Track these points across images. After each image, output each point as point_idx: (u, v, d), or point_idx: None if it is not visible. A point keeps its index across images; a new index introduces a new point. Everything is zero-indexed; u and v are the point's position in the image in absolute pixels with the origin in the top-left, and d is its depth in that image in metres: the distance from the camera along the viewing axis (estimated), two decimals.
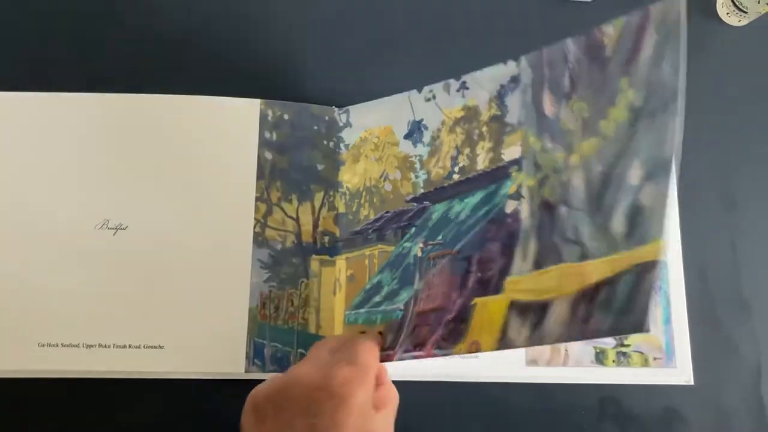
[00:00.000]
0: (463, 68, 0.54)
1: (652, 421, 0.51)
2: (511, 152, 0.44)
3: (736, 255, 0.55)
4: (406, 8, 0.59)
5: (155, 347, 0.48)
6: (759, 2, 0.57)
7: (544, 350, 0.51)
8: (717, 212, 0.56)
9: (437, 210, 0.47)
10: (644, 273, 0.33)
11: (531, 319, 0.38)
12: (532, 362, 0.51)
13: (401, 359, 0.43)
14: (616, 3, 0.57)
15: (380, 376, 0.41)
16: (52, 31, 0.55)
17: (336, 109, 0.54)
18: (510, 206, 0.42)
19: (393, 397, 0.41)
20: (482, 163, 0.45)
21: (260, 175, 0.51)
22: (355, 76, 0.56)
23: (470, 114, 0.47)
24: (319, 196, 0.52)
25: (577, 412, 0.51)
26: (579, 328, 0.35)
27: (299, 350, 0.49)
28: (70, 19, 0.55)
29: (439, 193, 0.47)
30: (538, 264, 0.39)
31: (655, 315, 0.52)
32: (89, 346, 0.47)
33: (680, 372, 0.51)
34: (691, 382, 0.51)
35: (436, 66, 0.55)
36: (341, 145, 0.53)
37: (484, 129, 0.46)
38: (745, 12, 0.59)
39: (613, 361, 0.51)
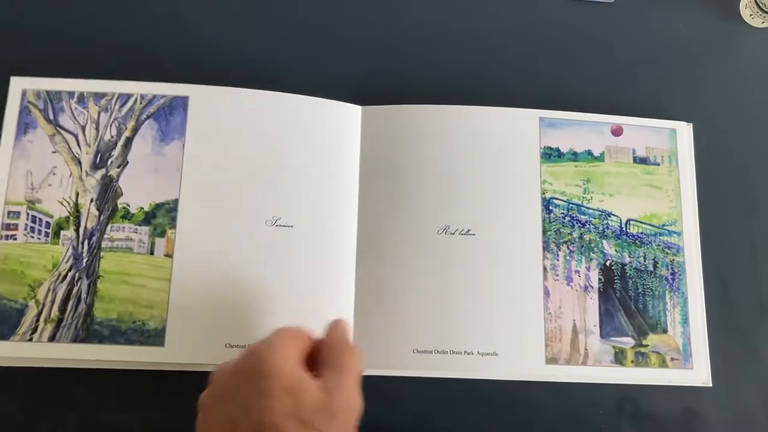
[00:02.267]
0: (484, 70, 0.55)
1: (670, 422, 0.49)
2: None
3: (756, 257, 0.52)
4: (430, 9, 0.57)
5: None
6: None
7: (564, 349, 0.48)
8: (737, 214, 0.53)
9: None
10: None
11: None
12: (552, 360, 0.47)
13: None
14: (637, 4, 0.58)
15: None
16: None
17: None
18: None
19: None
20: None
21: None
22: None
23: None
24: None
25: (596, 411, 0.48)
26: None
27: None
28: None
29: None
30: None
31: (674, 316, 0.49)
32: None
33: (698, 373, 0.49)
34: (709, 384, 0.49)
35: (460, 69, 0.55)
36: None
37: None
38: None
39: (632, 361, 0.48)
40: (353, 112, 0.52)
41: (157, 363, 0.46)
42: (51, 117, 0.50)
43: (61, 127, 0.50)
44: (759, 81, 0.57)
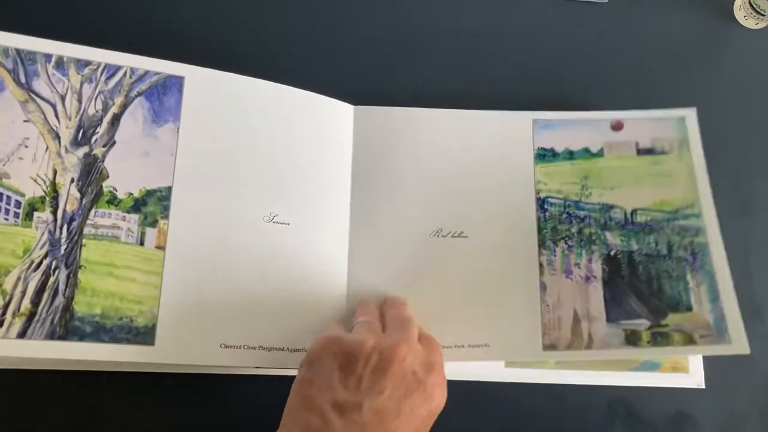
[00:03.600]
0: (478, 71, 0.55)
1: (662, 425, 0.48)
2: None
3: (748, 259, 0.51)
4: (424, 10, 0.56)
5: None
6: None
7: (563, 336, 0.46)
8: (730, 217, 0.51)
9: None
10: None
11: None
12: (551, 347, 0.46)
13: None
14: (631, 4, 0.57)
15: None
16: None
17: None
18: None
19: None
20: None
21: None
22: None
23: None
24: None
25: (587, 414, 0.48)
26: None
27: None
28: None
29: None
30: None
31: (699, 294, 0.48)
32: None
33: (691, 376, 0.49)
34: (702, 386, 0.48)
35: (454, 71, 0.55)
36: None
37: None
38: (763, 15, 0.56)
39: (648, 341, 0.46)
40: (346, 110, 0.51)
41: (146, 364, 0.42)
42: (23, 80, 0.42)
43: (36, 94, 0.42)
44: (753, 82, 0.56)
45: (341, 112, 0.50)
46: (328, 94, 0.50)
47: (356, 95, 0.51)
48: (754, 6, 0.55)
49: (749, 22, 0.57)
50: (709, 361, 0.48)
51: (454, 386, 0.47)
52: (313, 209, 0.48)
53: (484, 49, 0.55)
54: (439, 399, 0.38)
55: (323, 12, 0.54)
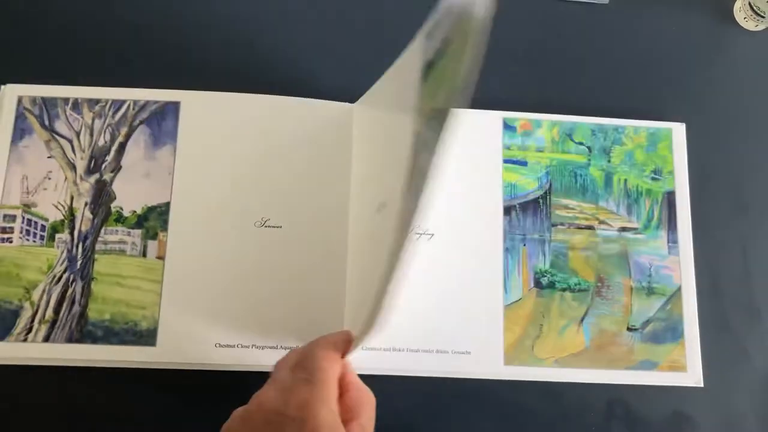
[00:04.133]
0: (478, 71, 0.54)
1: (660, 424, 0.48)
2: None
3: (747, 259, 0.52)
4: (421, 11, 0.57)
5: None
6: None
7: None
8: (729, 218, 0.52)
9: None
10: None
11: None
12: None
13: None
14: (631, 6, 0.57)
15: (345, 383, 0.37)
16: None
17: None
18: None
19: (366, 401, 0.36)
20: None
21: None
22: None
23: None
24: None
25: (586, 413, 0.47)
26: None
27: None
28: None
29: None
30: None
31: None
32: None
33: (690, 374, 0.48)
34: (701, 384, 0.48)
35: None
36: None
37: None
38: (763, 17, 0.55)
39: None
40: (345, 110, 0.51)
41: (149, 362, 0.47)
42: (46, 123, 0.50)
43: (57, 133, 0.50)
44: (752, 84, 0.55)
45: (339, 112, 0.51)
46: (328, 95, 0.51)
47: (355, 93, 0.51)
48: (754, 8, 0.55)
49: (749, 24, 0.57)
50: (707, 360, 0.48)
51: (452, 384, 0.47)
52: (309, 211, 0.49)
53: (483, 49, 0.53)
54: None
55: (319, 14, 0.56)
